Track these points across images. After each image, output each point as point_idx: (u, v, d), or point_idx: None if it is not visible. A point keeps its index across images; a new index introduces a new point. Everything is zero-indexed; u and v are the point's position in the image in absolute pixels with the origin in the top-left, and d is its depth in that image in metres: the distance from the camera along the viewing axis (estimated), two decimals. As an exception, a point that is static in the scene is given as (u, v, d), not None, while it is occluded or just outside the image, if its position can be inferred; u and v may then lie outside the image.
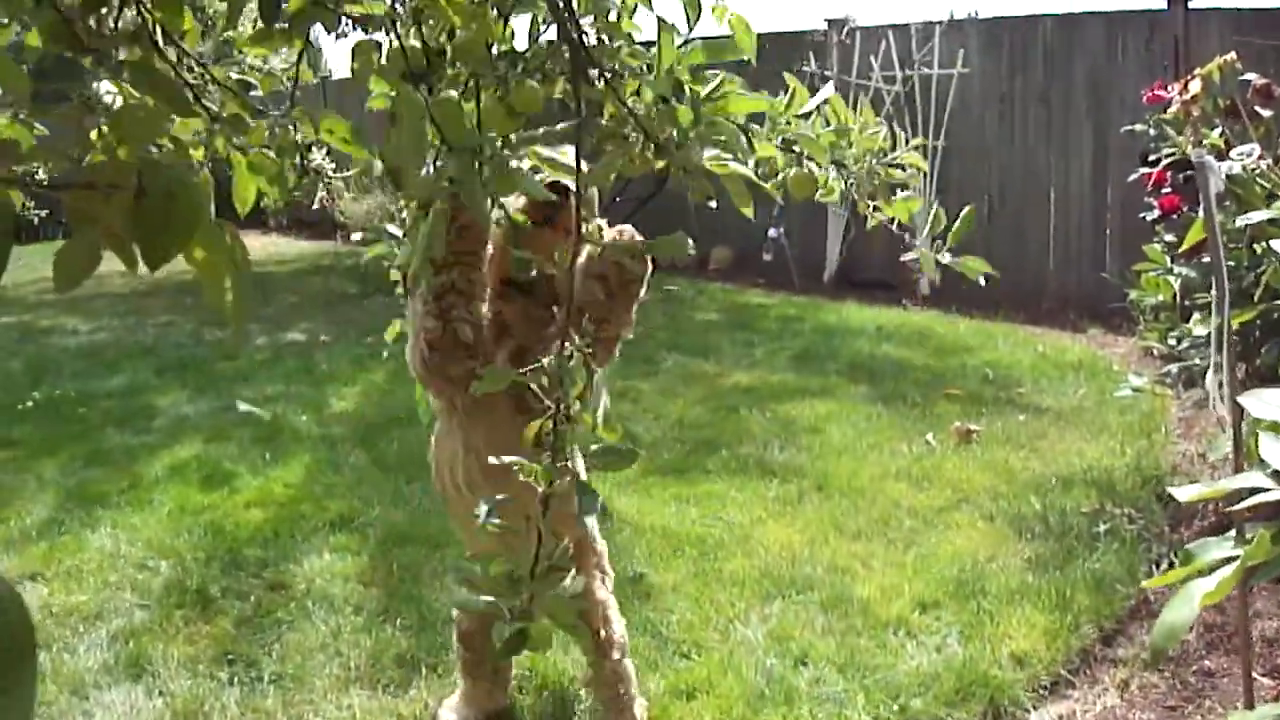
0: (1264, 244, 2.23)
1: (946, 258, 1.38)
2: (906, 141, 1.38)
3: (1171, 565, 3.03)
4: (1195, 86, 3.09)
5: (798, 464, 4.05)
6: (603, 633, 2.23)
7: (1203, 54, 4.61)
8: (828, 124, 1.32)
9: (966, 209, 1.39)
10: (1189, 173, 3.49)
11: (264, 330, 6.79)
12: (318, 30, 1.20)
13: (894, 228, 1.40)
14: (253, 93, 1.22)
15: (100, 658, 2.70)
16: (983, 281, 1.42)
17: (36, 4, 0.96)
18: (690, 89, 1.17)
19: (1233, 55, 3.06)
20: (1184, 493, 1.13)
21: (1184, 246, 2.81)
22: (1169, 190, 4.00)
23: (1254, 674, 2.17)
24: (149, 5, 1.02)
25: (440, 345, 1.91)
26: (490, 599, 0.99)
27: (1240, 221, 2.22)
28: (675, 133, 1.16)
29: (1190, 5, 6.29)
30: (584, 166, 1.17)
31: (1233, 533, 1.07)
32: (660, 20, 1.16)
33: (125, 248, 0.85)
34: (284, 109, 1.23)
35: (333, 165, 1.37)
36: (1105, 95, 6.92)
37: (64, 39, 0.96)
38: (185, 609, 2.95)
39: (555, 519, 1.03)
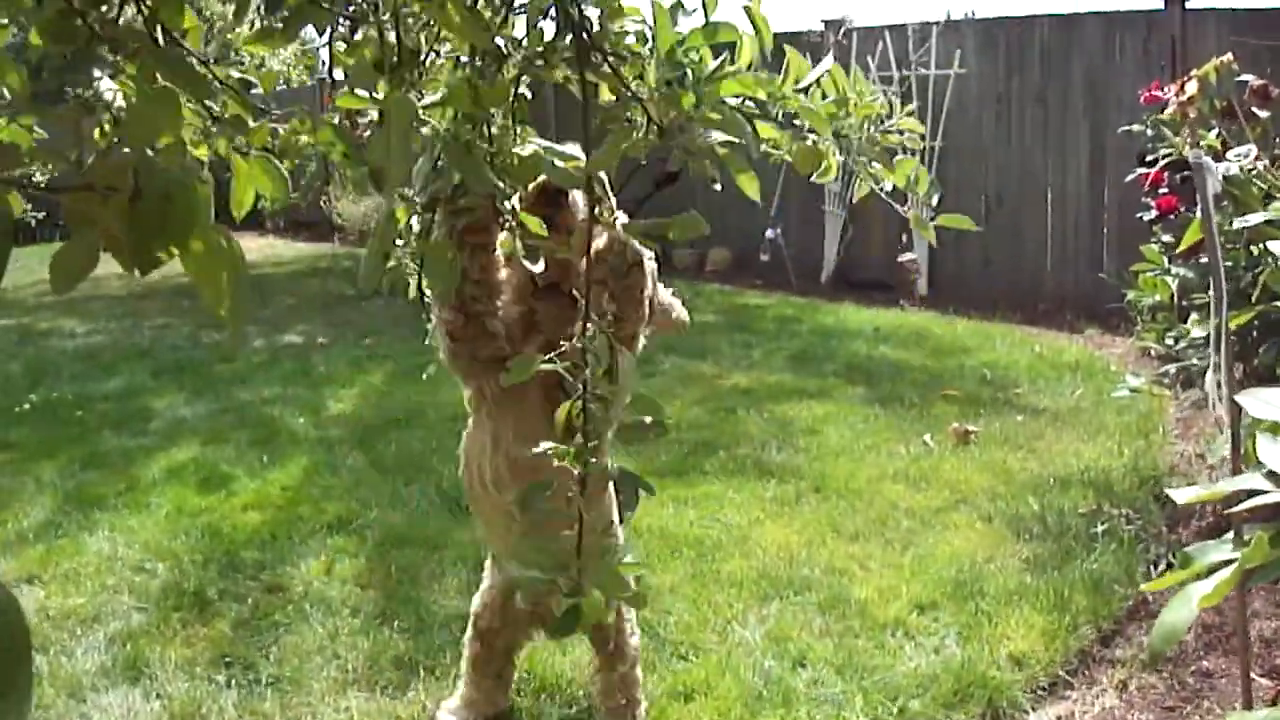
0: (1261, 245, 2.23)
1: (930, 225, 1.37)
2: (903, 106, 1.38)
3: (1169, 566, 3.03)
4: (1192, 87, 3.10)
5: (795, 465, 4.04)
6: (613, 644, 2.23)
7: (1200, 54, 4.63)
8: (825, 96, 1.32)
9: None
10: (1186, 173, 3.50)
11: (261, 332, 6.78)
12: (316, 30, 1.19)
13: (887, 196, 1.40)
14: (253, 91, 1.22)
15: (97, 660, 2.70)
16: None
17: (37, 3, 0.95)
18: (691, 71, 1.17)
19: (1230, 56, 3.07)
20: (1182, 495, 1.12)
21: (1181, 247, 2.80)
22: (1166, 190, 4.01)
23: (1252, 674, 2.17)
24: (149, 4, 1.01)
25: (462, 336, 1.91)
26: (543, 576, 1.03)
27: (1238, 224, 2.22)
28: (677, 114, 1.16)
29: (1187, 6, 6.30)
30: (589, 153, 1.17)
31: (1231, 535, 1.07)
32: (655, 3, 1.16)
33: (123, 250, 0.85)
34: (285, 111, 1.23)
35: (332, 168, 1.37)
36: (1102, 95, 6.93)
37: (65, 37, 0.96)
38: (183, 611, 2.95)
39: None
